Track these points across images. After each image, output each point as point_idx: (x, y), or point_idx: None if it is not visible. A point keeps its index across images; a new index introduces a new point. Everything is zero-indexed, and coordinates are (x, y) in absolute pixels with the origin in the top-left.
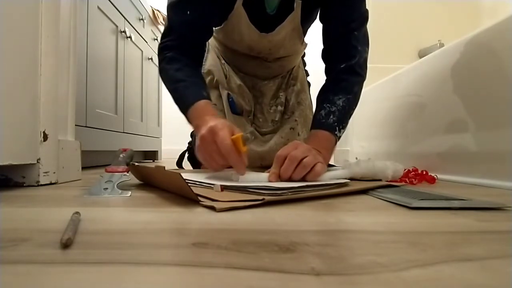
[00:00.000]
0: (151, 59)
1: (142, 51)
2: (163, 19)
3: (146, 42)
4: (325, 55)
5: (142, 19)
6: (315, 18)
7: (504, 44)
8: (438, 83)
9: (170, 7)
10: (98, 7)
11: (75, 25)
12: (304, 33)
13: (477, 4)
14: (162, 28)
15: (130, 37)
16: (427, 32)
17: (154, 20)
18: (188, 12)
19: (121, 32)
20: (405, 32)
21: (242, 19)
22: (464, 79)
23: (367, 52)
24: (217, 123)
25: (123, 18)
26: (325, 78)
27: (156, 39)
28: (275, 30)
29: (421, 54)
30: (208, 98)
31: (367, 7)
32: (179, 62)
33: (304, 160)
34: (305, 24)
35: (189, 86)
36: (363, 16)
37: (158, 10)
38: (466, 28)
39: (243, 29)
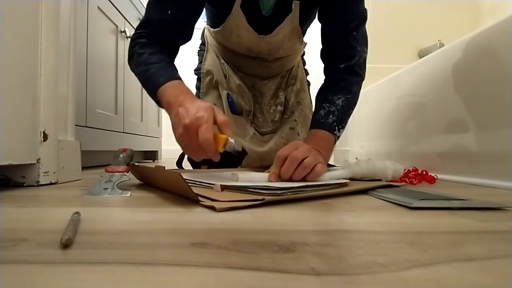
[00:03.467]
0: None
1: None
2: None
3: None
4: (324, 55)
5: None
6: (314, 18)
7: (504, 44)
8: (438, 83)
9: (151, 1)
10: (98, 7)
11: (75, 25)
12: (303, 33)
13: (477, 4)
14: None
15: (130, 37)
16: (427, 32)
17: None
18: (169, 12)
19: (121, 32)
20: (405, 32)
21: (240, 21)
22: (464, 79)
23: (366, 52)
24: (202, 112)
25: (123, 18)
26: (324, 77)
27: None
28: (273, 32)
29: (421, 54)
30: (181, 81)
31: (367, 7)
32: (153, 48)
33: (305, 161)
34: (304, 24)
35: (163, 68)
36: (362, 16)
37: None
38: (466, 28)
39: (242, 32)
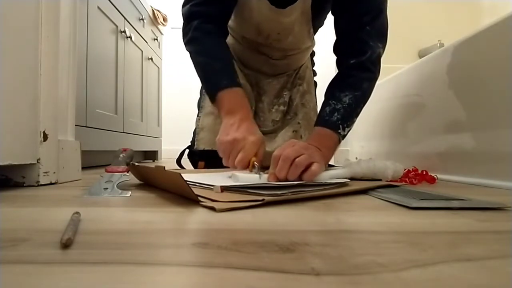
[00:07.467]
0: (151, 59)
1: (142, 51)
2: (163, 19)
3: (146, 42)
4: (336, 49)
5: (142, 19)
6: (326, 14)
7: (504, 44)
8: (438, 83)
9: None
10: (98, 7)
11: (75, 25)
12: (315, 30)
13: (477, 4)
14: (162, 28)
15: (130, 37)
16: (427, 32)
17: (154, 20)
18: None
19: (121, 32)
20: (405, 32)
21: None
22: (464, 79)
23: (380, 47)
24: (255, 136)
25: (123, 18)
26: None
27: (156, 39)
28: (287, 8)
29: (421, 54)
30: (241, 86)
31: None
32: (217, 36)
33: (297, 159)
34: (316, 14)
35: (226, 69)
36: (378, 8)
37: (158, 10)
38: (466, 28)
39: (254, 2)
